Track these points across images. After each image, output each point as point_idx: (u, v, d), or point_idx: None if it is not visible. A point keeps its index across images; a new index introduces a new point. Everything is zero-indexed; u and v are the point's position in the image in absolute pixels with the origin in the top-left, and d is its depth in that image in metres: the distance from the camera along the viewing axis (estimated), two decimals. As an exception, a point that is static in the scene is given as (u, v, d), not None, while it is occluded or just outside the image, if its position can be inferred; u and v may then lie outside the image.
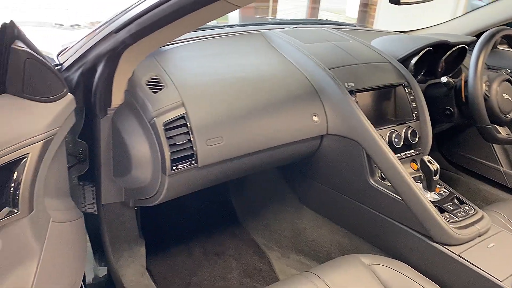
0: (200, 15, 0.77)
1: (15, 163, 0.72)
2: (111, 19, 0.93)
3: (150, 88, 1.01)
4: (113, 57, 0.92)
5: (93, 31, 0.98)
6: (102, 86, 0.97)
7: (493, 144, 1.74)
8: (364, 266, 1.08)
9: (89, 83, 0.98)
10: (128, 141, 1.01)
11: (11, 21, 0.72)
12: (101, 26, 0.96)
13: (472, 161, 1.84)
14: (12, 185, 0.72)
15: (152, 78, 1.04)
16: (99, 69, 0.95)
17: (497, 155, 1.76)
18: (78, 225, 0.99)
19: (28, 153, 0.73)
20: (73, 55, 1.00)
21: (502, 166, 1.75)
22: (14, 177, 0.72)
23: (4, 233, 0.72)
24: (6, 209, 0.71)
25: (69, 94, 0.86)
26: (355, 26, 2.04)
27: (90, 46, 0.94)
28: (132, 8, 0.86)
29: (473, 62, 1.30)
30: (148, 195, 1.05)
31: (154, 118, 0.97)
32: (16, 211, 0.72)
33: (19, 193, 0.72)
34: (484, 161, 1.79)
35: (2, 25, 0.71)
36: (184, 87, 1.04)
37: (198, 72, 1.12)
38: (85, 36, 1.01)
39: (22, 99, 0.77)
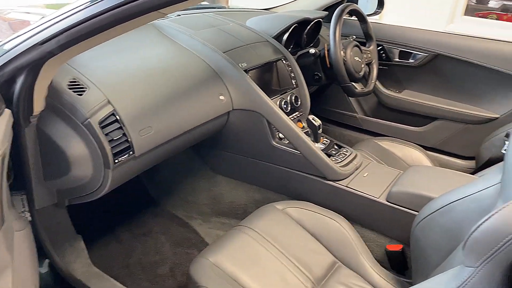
0: (132, 23, 0.88)
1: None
2: (29, 32, 0.95)
3: (74, 91, 1.07)
4: (35, 67, 0.96)
5: (3, 44, 0.99)
6: (24, 96, 0.99)
7: (349, 97, 2.17)
8: (279, 211, 1.34)
9: (7, 95, 0.99)
10: (61, 144, 1.06)
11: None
12: (13, 40, 0.97)
13: (335, 113, 2.25)
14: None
15: (71, 82, 1.09)
16: (20, 80, 0.97)
17: (352, 105, 2.19)
18: (29, 232, 1.02)
19: None
20: None
21: (357, 113, 2.19)
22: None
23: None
24: (-15, 226, 0.75)
25: (6, 109, 0.88)
26: (225, 7, 2.24)
27: (9, 59, 0.95)
28: (59, 21, 0.90)
29: (332, 35, 1.62)
30: (90, 190, 1.12)
31: (88, 119, 1.04)
32: (-7, 226, 0.77)
33: (-7, 209, 0.77)
34: (344, 112, 2.22)
35: None
36: (105, 86, 1.12)
37: (111, 70, 1.19)
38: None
39: None
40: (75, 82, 1.09)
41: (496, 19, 3.08)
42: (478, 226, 0.61)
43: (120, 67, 1.22)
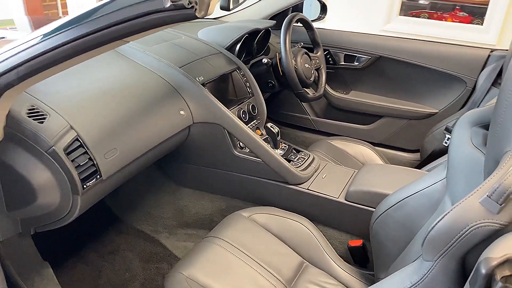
0: (96, 51, 0.88)
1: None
2: None
3: (34, 119, 1.05)
4: None
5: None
6: None
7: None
8: (246, 219, 1.39)
9: None
10: (26, 174, 1.04)
11: None
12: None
13: (289, 116, 2.34)
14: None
15: (30, 109, 1.07)
16: None
17: (305, 108, 2.29)
18: None
19: None
20: None
21: (310, 115, 2.29)
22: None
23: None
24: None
25: None
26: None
27: None
28: (18, 52, 0.89)
29: (283, 45, 1.69)
30: (58, 217, 1.11)
31: (53, 147, 1.03)
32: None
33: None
34: (297, 114, 2.31)
35: None
36: (65, 111, 1.11)
37: (69, 94, 1.18)
38: None
39: None
40: (34, 109, 1.07)
41: (428, 18, 3.33)
42: (434, 226, 0.69)
43: (78, 90, 1.21)
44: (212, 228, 1.36)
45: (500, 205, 0.63)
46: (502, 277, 0.56)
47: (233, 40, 1.77)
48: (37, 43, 0.88)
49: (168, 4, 0.77)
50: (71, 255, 1.55)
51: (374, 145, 2.07)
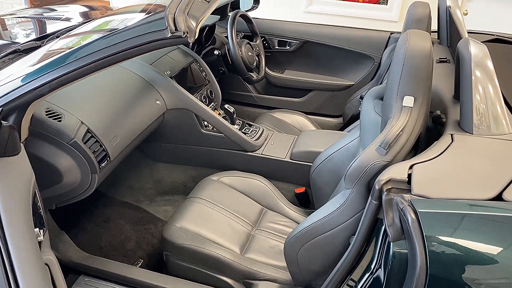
0: (111, 67, 1.20)
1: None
2: (21, 78, 1.19)
3: (54, 119, 1.35)
4: (26, 105, 1.22)
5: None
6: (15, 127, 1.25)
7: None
8: (215, 181, 1.79)
9: None
10: (52, 161, 1.34)
11: None
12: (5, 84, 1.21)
13: (236, 94, 2.73)
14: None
15: (47, 111, 1.36)
16: (13, 116, 1.23)
17: (248, 86, 2.69)
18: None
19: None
20: None
21: (253, 93, 2.70)
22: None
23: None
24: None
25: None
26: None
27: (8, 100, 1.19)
28: (51, 71, 1.17)
29: (230, 39, 2.06)
30: (79, 192, 1.43)
31: (74, 139, 1.34)
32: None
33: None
34: (242, 93, 2.71)
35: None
36: (74, 111, 1.41)
37: (71, 96, 1.46)
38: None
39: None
40: (50, 111, 1.36)
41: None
42: (351, 165, 1.14)
43: (77, 92, 1.50)
44: (186, 193, 1.74)
45: (386, 150, 1.09)
46: (386, 189, 1.02)
47: (187, 36, 2.10)
48: (69, 63, 1.17)
49: (169, 35, 1.11)
50: (72, 227, 1.85)
51: (306, 114, 2.54)
